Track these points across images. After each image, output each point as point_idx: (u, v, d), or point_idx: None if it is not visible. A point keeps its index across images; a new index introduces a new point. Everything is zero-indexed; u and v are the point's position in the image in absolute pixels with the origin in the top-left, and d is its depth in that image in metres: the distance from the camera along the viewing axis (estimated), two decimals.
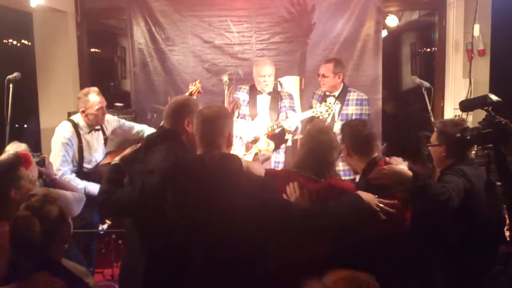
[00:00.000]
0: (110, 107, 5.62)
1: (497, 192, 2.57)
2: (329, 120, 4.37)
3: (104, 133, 4.04)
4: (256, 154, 4.17)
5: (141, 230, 2.39)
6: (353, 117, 4.35)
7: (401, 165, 2.47)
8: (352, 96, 4.43)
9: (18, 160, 2.62)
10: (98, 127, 3.96)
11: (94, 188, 3.65)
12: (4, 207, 2.38)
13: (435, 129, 2.83)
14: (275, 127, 4.24)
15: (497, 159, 2.47)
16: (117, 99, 6.09)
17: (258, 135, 4.26)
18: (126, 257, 2.66)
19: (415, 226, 2.46)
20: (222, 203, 2.09)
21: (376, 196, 2.31)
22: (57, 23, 5.70)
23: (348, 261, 2.28)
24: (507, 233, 2.57)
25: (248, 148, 4.31)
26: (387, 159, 2.54)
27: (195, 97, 3.99)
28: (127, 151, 2.62)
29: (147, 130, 4.21)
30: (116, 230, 3.57)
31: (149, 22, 5.72)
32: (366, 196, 2.30)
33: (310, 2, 5.56)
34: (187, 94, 3.99)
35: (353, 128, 2.67)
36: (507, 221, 2.70)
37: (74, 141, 3.79)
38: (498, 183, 2.55)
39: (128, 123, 4.24)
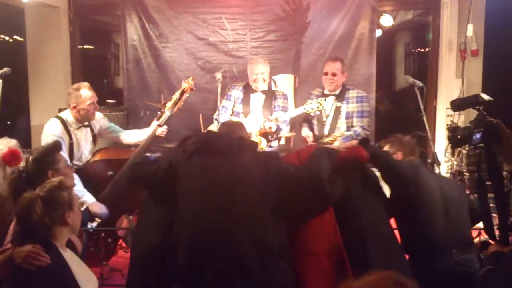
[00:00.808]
0: (102, 104, 5.61)
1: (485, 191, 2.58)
2: (330, 119, 4.38)
3: (92, 130, 3.98)
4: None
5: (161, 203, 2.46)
6: (354, 115, 4.36)
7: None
8: (352, 94, 4.42)
9: (58, 145, 2.88)
10: (87, 123, 3.90)
11: (89, 198, 3.60)
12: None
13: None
14: (261, 126, 4.22)
15: (487, 158, 2.46)
16: (110, 96, 6.07)
17: (250, 131, 4.26)
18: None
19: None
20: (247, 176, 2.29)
21: None
22: (49, 19, 5.66)
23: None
24: (496, 233, 2.55)
25: None
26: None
27: (187, 95, 3.96)
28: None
29: (131, 134, 4.14)
30: (106, 228, 3.54)
31: (142, 18, 5.69)
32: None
33: (305, 1, 5.55)
34: (179, 91, 3.95)
35: None
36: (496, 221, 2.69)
37: (64, 137, 3.72)
38: (488, 183, 2.55)
39: (110, 124, 4.15)
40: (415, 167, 2.80)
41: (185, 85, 3.96)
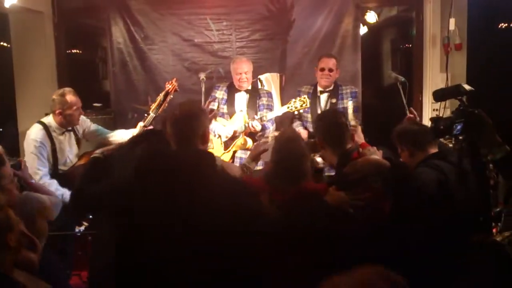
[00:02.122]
0: (89, 108, 5.59)
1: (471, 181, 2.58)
2: None
3: (76, 134, 3.98)
4: (235, 152, 4.16)
5: (111, 228, 2.34)
6: (350, 110, 4.38)
7: (375, 155, 2.45)
8: (345, 90, 4.47)
9: (1, 159, 2.58)
10: (70, 128, 3.90)
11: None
12: None
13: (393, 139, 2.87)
14: (246, 126, 4.23)
15: (470, 150, 2.48)
16: (98, 100, 6.03)
17: (236, 130, 4.26)
18: (93, 258, 2.59)
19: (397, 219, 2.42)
20: (193, 198, 2.03)
21: (349, 191, 2.27)
22: (34, 24, 5.63)
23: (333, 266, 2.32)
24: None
25: (227, 146, 4.30)
26: (361, 150, 2.53)
27: (171, 96, 3.96)
28: (112, 146, 2.57)
29: (118, 134, 4.13)
30: (91, 232, 3.53)
31: (127, 21, 5.68)
32: (334, 198, 2.25)
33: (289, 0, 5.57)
34: (163, 93, 3.96)
35: (323, 119, 2.66)
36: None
37: (46, 143, 3.72)
38: None
39: (98, 127, 4.16)
40: (435, 168, 2.63)
41: (169, 86, 4.01)
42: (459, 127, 2.46)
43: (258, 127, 4.18)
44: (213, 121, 4.39)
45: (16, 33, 5.70)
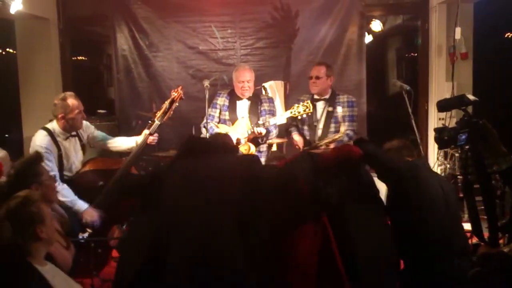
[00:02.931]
0: (93, 114, 5.60)
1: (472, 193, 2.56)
2: (321, 124, 4.38)
3: (80, 139, 3.94)
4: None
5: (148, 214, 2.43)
6: (346, 119, 4.38)
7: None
8: (342, 98, 4.45)
9: (39, 156, 2.80)
10: (74, 133, 3.86)
11: (81, 205, 3.58)
12: None
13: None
14: (249, 132, 4.23)
15: (474, 159, 2.45)
16: (103, 107, 6.05)
17: (238, 138, 4.25)
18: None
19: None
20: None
21: None
22: (39, 31, 5.66)
23: None
24: (485, 235, 2.54)
25: None
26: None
27: (177, 104, 3.96)
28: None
29: (120, 141, 4.10)
30: (96, 239, 3.51)
31: (132, 28, 5.70)
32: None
33: (294, 8, 5.57)
34: (169, 100, 3.95)
35: None
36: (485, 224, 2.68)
37: (52, 149, 3.66)
38: (476, 186, 2.54)
39: (101, 133, 4.12)
40: (413, 165, 2.75)
41: (174, 94, 3.98)
42: (463, 137, 2.44)
43: (263, 131, 4.18)
44: (215, 127, 4.38)
45: (21, 39, 5.73)
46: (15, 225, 2.05)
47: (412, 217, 2.65)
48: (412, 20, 6.48)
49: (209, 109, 4.48)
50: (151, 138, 3.88)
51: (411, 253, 2.66)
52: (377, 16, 6.05)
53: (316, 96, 4.45)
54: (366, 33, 5.88)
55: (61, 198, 3.51)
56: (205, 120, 4.39)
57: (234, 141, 4.25)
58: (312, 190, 2.32)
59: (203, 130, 4.47)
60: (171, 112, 3.95)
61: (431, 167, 3.73)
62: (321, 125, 4.41)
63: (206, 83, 4.48)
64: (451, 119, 5.18)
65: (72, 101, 3.71)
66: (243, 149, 4.23)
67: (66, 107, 3.69)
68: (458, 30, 5.28)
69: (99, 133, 4.09)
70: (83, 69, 6.93)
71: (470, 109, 2.63)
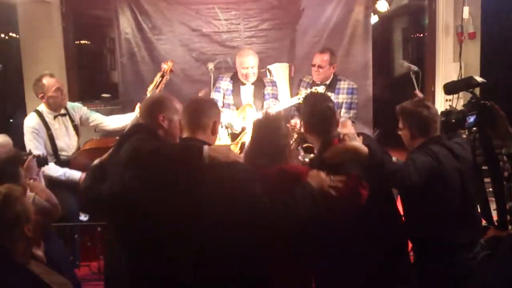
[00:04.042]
0: (97, 98, 5.58)
1: (481, 176, 2.52)
2: None
3: (72, 120, 4.04)
4: (243, 143, 4.11)
5: (119, 228, 2.34)
6: (344, 106, 4.29)
7: (355, 142, 2.41)
8: (343, 85, 4.36)
9: (16, 158, 2.64)
10: (63, 111, 3.98)
11: (73, 174, 3.78)
12: None
13: (398, 113, 2.76)
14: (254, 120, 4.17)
15: (482, 142, 2.42)
16: (106, 91, 6.02)
17: (245, 125, 4.19)
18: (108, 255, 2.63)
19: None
20: (183, 194, 2.07)
21: (329, 175, 2.29)
22: (42, 15, 5.60)
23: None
24: (494, 218, 2.52)
25: (234, 138, 4.25)
26: (341, 136, 2.49)
27: (168, 77, 4.03)
28: (105, 155, 2.55)
29: (112, 119, 4.22)
30: (102, 223, 3.52)
31: (135, 10, 5.63)
32: (316, 180, 2.26)
33: None
34: (159, 74, 4.02)
35: (309, 105, 2.62)
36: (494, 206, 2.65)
37: (41, 129, 3.82)
38: (485, 167, 2.50)
39: (93, 114, 4.23)
40: (430, 154, 2.56)
41: (164, 66, 4.05)
42: (471, 120, 2.40)
43: None
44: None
45: (24, 24, 5.68)
46: (1, 228, 1.94)
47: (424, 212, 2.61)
48: None
49: (213, 93, 4.44)
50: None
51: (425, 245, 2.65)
52: None
53: (317, 81, 4.38)
54: (372, 14, 5.78)
55: (53, 175, 3.68)
56: None
57: (240, 130, 4.23)
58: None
59: None
60: (162, 85, 4.03)
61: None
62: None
63: (210, 66, 4.45)
64: (458, 100, 5.12)
65: (47, 79, 3.85)
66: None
67: (42, 87, 3.84)
68: (466, 9, 5.19)
69: (92, 114, 4.19)
70: (86, 53, 6.88)
71: (477, 91, 2.58)
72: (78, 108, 4.14)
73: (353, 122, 4.33)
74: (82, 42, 6.62)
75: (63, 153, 3.94)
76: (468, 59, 5.41)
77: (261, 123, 2.50)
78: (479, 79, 2.46)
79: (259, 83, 4.43)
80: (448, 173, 2.57)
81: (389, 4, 6.17)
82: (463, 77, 5.26)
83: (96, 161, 2.51)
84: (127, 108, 5.62)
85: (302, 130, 2.69)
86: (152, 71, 5.71)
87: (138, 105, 3.95)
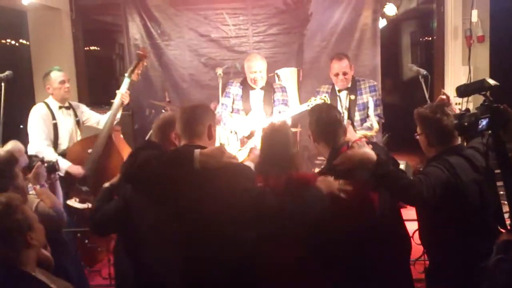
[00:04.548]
0: (107, 104, 5.60)
1: (494, 179, 2.49)
2: (346, 114, 4.23)
3: (76, 115, 4.31)
4: (252, 148, 4.11)
5: (127, 242, 2.39)
6: (370, 105, 4.19)
7: (365, 149, 2.40)
8: (363, 85, 4.33)
9: (12, 159, 2.58)
10: (68, 105, 4.28)
11: (63, 162, 3.98)
12: None
13: (416, 118, 2.69)
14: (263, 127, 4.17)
15: (495, 145, 2.40)
16: (116, 96, 6.05)
17: (254, 129, 4.20)
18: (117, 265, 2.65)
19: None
20: (177, 203, 2.12)
21: (339, 180, 2.30)
22: (52, 21, 5.67)
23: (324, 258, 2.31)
24: (507, 222, 2.49)
25: (243, 143, 4.25)
26: (350, 143, 2.49)
27: (145, 63, 4.35)
28: (115, 179, 2.58)
29: (103, 118, 4.38)
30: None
31: (144, 17, 5.68)
32: (325, 184, 2.29)
33: None
34: (136, 61, 4.28)
35: (316, 114, 2.62)
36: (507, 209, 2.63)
37: (47, 118, 4.11)
38: (497, 171, 2.48)
39: (91, 113, 4.49)
40: (448, 169, 2.50)
41: (140, 52, 4.35)
42: (484, 123, 2.38)
43: None
44: (229, 117, 4.34)
45: (34, 30, 5.75)
46: (3, 237, 1.92)
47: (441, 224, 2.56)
48: (427, 3, 6.37)
49: (222, 98, 4.45)
50: (123, 95, 4.22)
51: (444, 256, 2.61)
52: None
53: (338, 88, 4.34)
54: (380, 18, 5.78)
55: (46, 157, 3.73)
56: (218, 109, 4.36)
57: (248, 133, 4.24)
58: None
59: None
60: (139, 71, 4.29)
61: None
62: (345, 115, 4.31)
63: (219, 71, 4.46)
64: (468, 104, 5.10)
65: (54, 73, 4.19)
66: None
67: (49, 79, 4.18)
68: (474, 13, 5.18)
69: (94, 115, 4.47)
70: (96, 59, 6.94)
71: (489, 94, 2.57)
72: (80, 107, 4.45)
73: (382, 118, 4.32)
74: (92, 48, 6.68)
75: (62, 145, 4.19)
76: (477, 63, 5.40)
77: (269, 134, 2.54)
78: (492, 81, 2.44)
79: (269, 89, 4.42)
80: (466, 187, 2.50)
81: (397, 8, 6.16)
82: (472, 80, 5.24)
83: (106, 184, 2.56)
84: (136, 113, 5.67)
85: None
86: (161, 76, 5.78)
87: (117, 91, 4.27)
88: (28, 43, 5.89)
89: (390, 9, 5.95)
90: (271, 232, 2.19)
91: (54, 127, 4.13)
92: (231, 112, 4.40)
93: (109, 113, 4.28)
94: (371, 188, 2.36)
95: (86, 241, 3.91)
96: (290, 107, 4.44)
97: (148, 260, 2.24)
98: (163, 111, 4.09)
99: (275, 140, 2.48)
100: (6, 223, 1.93)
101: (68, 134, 4.22)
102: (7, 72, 3.96)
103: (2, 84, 3.90)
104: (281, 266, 2.22)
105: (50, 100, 4.24)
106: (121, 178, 2.39)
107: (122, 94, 4.22)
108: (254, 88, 4.37)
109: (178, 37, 5.70)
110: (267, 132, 2.56)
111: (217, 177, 2.11)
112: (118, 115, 4.33)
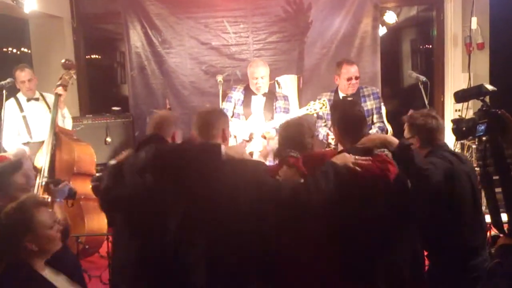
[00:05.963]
0: (108, 112, 5.64)
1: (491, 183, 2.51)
2: None
3: (49, 107, 4.48)
4: (251, 153, 4.12)
5: (134, 227, 2.36)
6: (375, 111, 4.28)
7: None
8: (367, 91, 4.35)
9: (16, 166, 2.56)
10: (37, 96, 4.56)
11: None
12: None
13: (406, 123, 2.80)
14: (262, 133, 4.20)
15: (493, 151, 2.40)
16: (117, 104, 6.09)
17: (253, 133, 4.21)
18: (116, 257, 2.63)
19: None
20: (205, 192, 2.14)
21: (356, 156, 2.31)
22: (53, 29, 5.71)
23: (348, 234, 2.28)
24: (505, 227, 2.49)
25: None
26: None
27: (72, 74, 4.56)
28: (123, 155, 2.59)
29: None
30: (110, 234, 3.54)
31: (145, 25, 5.71)
32: (341, 158, 2.30)
33: (306, 1, 5.53)
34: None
35: (340, 111, 2.64)
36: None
37: (15, 111, 4.44)
38: (496, 177, 2.49)
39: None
40: (442, 158, 2.61)
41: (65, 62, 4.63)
42: (482, 128, 2.39)
43: (273, 134, 4.13)
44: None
45: (36, 38, 5.79)
46: (12, 234, 1.95)
47: (443, 214, 2.59)
48: (426, 10, 6.40)
49: (223, 103, 4.47)
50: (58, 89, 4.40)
51: (441, 249, 2.64)
52: (391, 7, 5.98)
53: (342, 94, 4.33)
54: (380, 25, 5.81)
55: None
56: None
57: (248, 136, 4.25)
58: None
59: None
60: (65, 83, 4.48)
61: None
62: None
63: (219, 78, 4.48)
64: (467, 111, 5.12)
65: (17, 73, 4.48)
66: (257, 148, 4.18)
67: (15, 76, 4.48)
68: (474, 20, 5.20)
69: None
70: (97, 67, 6.96)
71: (487, 99, 2.58)
72: (49, 96, 4.62)
73: (385, 126, 4.37)
74: (93, 56, 6.71)
75: (36, 134, 4.45)
76: (477, 70, 5.42)
77: (285, 125, 2.67)
78: (489, 87, 2.45)
79: (271, 96, 4.43)
80: (461, 175, 2.60)
81: (397, 16, 6.20)
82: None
83: (112, 161, 2.55)
84: (137, 121, 5.69)
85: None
86: (162, 84, 5.80)
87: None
88: (29, 51, 5.93)
89: (390, 17, 5.99)
90: (290, 219, 2.20)
91: (23, 119, 4.47)
92: (231, 116, 4.41)
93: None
94: (389, 160, 2.36)
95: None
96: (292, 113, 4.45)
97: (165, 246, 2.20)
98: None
99: (292, 129, 2.59)
100: (12, 220, 1.97)
101: (40, 124, 4.44)
102: (8, 80, 4.04)
103: (4, 91, 3.94)
104: (302, 253, 2.22)
105: (20, 94, 4.57)
106: (128, 160, 2.42)
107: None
108: (256, 94, 4.40)
109: (179, 45, 5.73)
110: (284, 123, 2.70)
111: (239, 169, 2.24)
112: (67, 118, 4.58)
